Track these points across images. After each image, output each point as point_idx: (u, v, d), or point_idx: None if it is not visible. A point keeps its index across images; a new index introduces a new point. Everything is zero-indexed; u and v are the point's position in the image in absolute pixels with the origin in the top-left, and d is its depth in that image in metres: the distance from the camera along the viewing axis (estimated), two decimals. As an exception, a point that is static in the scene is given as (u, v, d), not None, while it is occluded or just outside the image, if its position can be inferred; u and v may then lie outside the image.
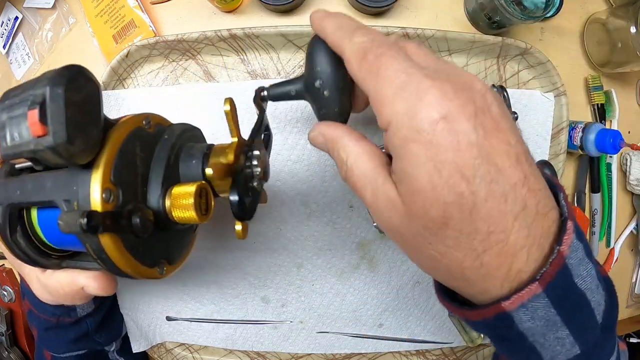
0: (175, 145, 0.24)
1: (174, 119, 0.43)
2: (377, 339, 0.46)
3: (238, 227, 0.23)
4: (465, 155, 0.17)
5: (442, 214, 0.18)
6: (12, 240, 0.24)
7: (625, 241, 0.51)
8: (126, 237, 0.21)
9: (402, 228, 0.20)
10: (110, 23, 0.46)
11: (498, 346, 0.23)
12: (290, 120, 0.43)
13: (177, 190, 0.22)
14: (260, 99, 0.28)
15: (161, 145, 0.24)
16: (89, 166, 0.20)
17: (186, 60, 0.44)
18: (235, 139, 0.24)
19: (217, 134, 0.43)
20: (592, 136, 0.43)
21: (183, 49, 0.43)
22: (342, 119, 0.26)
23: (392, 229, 0.21)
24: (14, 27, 0.49)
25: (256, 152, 0.24)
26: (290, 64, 0.43)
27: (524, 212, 0.18)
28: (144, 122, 0.24)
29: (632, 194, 0.50)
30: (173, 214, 0.22)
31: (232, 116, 0.24)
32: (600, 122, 0.47)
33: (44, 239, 0.25)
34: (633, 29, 0.41)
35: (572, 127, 0.45)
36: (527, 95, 0.43)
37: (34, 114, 0.17)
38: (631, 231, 0.51)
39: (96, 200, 0.19)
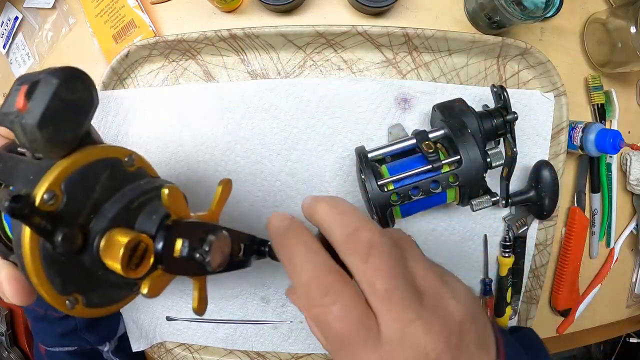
0: (146, 193, 0.23)
1: (174, 119, 0.44)
2: (377, 339, 0.46)
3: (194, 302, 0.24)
4: None
5: None
6: None
7: (625, 241, 0.51)
8: (45, 247, 0.20)
9: None
10: (110, 23, 0.46)
11: None
12: (290, 120, 0.43)
13: (114, 233, 0.20)
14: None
15: (132, 187, 0.23)
16: (51, 165, 0.20)
17: (186, 60, 0.44)
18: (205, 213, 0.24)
19: (216, 133, 0.43)
20: (592, 136, 0.43)
21: (183, 49, 0.43)
22: None
23: None
24: (14, 27, 0.49)
25: (212, 237, 0.23)
26: (290, 64, 0.43)
27: None
28: (126, 158, 0.23)
29: (632, 194, 0.50)
30: (102, 257, 0.20)
31: (222, 194, 0.24)
32: (600, 122, 0.47)
33: (4, 221, 0.24)
34: (633, 29, 0.41)
35: (572, 127, 0.45)
36: (527, 95, 0.43)
37: (24, 89, 0.18)
38: (631, 231, 0.51)
39: (36, 196, 0.19)
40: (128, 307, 0.46)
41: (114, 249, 0.20)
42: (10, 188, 0.20)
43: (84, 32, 0.48)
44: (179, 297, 0.46)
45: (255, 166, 0.43)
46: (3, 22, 0.50)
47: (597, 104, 0.47)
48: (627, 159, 0.48)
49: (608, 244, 0.51)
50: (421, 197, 0.35)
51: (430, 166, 0.35)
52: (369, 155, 0.37)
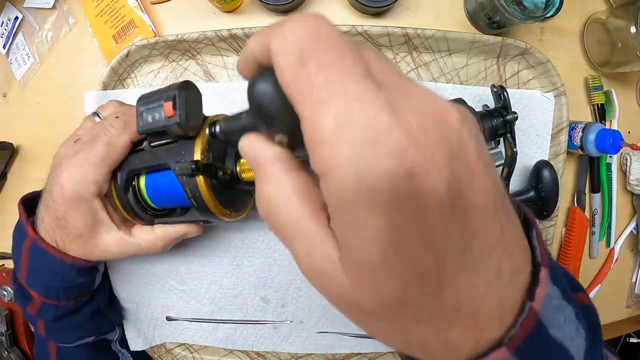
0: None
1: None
2: (377, 339, 0.46)
3: None
4: (434, 222, 0.13)
5: (399, 294, 0.14)
6: (124, 197, 0.33)
7: (625, 241, 0.51)
8: (212, 183, 0.31)
9: (344, 298, 0.16)
10: (110, 23, 0.46)
11: None
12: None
13: (242, 160, 0.32)
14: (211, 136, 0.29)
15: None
16: (192, 139, 0.30)
17: (186, 60, 0.44)
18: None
19: (217, 134, 0.43)
20: (592, 136, 0.43)
21: (183, 49, 0.43)
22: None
23: (331, 295, 0.17)
24: (14, 27, 0.49)
25: None
26: (290, 64, 0.43)
27: (497, 279, 0.15)
28: (223, 117, 0.33)
29: (632, 194, 0.50)
30: (242, 175, 0.32)
31: None
32: (600, 122, 0.47)
33: (147, 197, 0.34)
34: (633, 29, 0.41)
35: (572, 127, 0.45)
36: (527, 95, 0.43)
37: (169, 103, 0.28)
38: (631, 231, 0.51)
39: (198, 157, 0.30)
40: (128, 307, 0.46)
41: (248, 167, 0.32)
42: (174, 165, 0.30)
43: (84, 32, 0.48)
44: (179, 297, 0.46)
45: (255, 166, 0.43)
46: (3, 22, 0.50)
47: (597, 104, 0.47)
48: (627, 159, 0.48)
49: (608, 244, 0.51)
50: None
51: (430, 166, 0.35)
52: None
